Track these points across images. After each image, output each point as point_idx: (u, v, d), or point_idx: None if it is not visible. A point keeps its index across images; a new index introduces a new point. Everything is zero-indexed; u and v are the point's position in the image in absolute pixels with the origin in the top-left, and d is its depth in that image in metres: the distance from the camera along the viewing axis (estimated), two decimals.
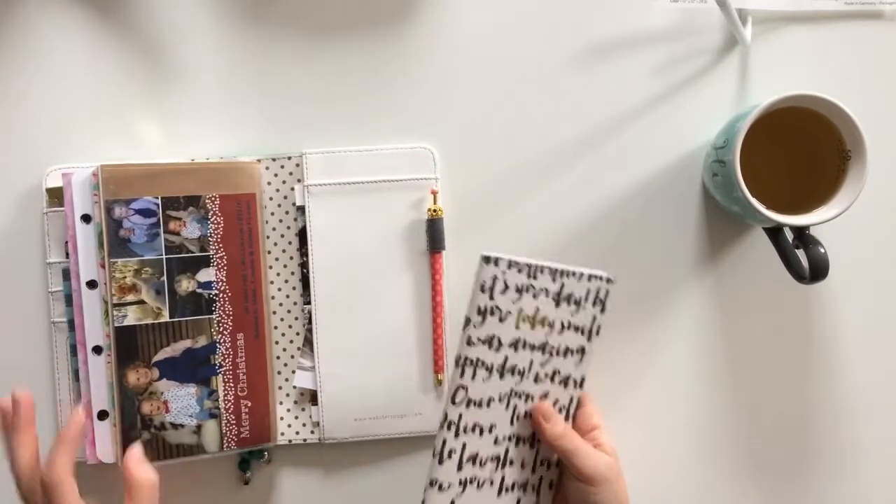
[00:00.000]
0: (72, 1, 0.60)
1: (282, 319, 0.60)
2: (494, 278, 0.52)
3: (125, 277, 0.56)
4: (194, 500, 0.60)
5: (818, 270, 0.53)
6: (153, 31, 0.60)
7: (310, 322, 0.59)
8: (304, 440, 0.60)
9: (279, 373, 0.60)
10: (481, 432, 0.52)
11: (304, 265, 0.60)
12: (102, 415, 0.57)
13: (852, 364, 0.61)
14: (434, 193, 0.59)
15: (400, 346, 0.59)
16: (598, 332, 0.54)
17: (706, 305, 0.61)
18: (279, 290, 0.60)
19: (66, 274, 0.58)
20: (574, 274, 0.53)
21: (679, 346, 0.61)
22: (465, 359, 0.52)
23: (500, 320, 0.52)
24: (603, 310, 0.53)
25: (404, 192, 0.59)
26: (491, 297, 0.52)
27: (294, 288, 0.60)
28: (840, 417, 0.61)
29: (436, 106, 0.61)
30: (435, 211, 0.59)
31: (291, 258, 0.60)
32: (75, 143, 0.60)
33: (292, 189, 0.60)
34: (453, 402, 0.51)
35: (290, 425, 0.60)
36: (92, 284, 0.56)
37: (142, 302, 0.56)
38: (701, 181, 0.61)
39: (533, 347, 0.53)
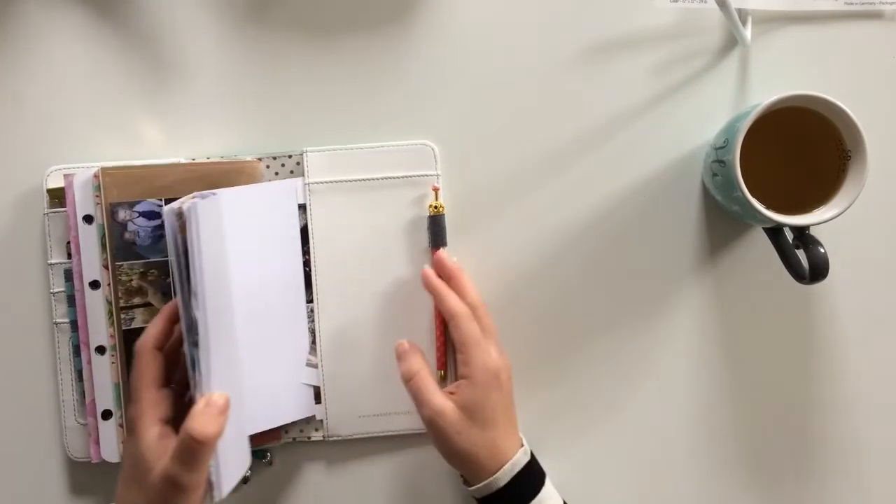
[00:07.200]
0: (72, 1, 0.60)
1: None
2: None
3: (131, 280, 0.56)
4: None
5: (818, 270, 0.53)
6: (153, 31, 0.60)
7: (312, 320, 0.60)
8: (308, 438, 0.60)
9: None
10: None
11: (306, 263, 0.60)
12: (106, 414, 0.57)
13: (852, 364, 0.61)
14: (436, 190, 0.59)
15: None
16: None
17: (706, 305, 0.61)
18: None
19: (68, 274, 0.58)
20: None
21: (679, 346, 0.61)
22: None
23: None
24: None
25: (406, 189, 0.59)
26: None
27: None
28: (840, 417, 0.61)
29: (437, 103, 0.61)
30: (437, 207, 0.59)
31: None
32: (76, 143, 0.60)
33: None
34: None
35: (293, 423, 0.60)
36: (95, 285, 0.56)
37: (149, 304, 0.56)
38: (701, 181, 0.61)
39: None
